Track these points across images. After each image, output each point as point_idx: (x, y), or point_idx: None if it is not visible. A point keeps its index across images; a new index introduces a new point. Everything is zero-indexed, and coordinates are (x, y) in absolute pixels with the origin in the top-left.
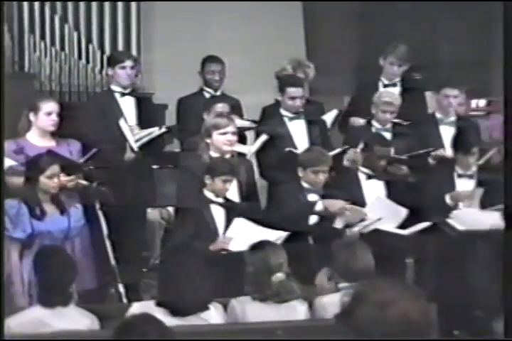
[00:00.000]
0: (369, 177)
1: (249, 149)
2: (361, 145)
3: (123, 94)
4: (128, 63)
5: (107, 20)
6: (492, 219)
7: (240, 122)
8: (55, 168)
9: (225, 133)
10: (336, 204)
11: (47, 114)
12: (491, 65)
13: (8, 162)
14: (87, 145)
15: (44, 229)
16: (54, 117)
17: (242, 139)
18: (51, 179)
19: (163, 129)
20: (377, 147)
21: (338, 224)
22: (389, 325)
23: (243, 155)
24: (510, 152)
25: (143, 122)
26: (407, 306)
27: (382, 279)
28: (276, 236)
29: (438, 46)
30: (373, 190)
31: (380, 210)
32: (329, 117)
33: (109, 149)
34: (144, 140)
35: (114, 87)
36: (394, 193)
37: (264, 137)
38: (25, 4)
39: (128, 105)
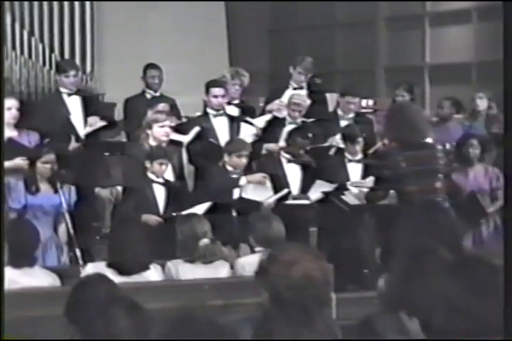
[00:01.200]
0: (289, 161)
1: (185, 138)
2: (286, 136)
3: (69, 95)
4: (71, 73)
5: (66, 34)
6: None
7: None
8: (49, 156)
9: (163, 126)
10: (255, 176)
11: (7, 109)
12: (376, 72)
13: None
14: (44, 136)
15: (36, 203)
16: (14, 112)
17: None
18: (45, 164)
19: (103, 123)
20: (300, 139)
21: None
22: (294, 281)
23: (177, 144)
24: (510, 151)
25: (89, 117)
26: (309, 265)
27: (291, 244)
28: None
29: (334, 57)
30: (293, 171)
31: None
32: (264, 118)
33: (59, 139)
34: (89, 131)
35: (61, 89)
36: (308, 174)
37: (197, 129)
38: None
39: (75, 103)
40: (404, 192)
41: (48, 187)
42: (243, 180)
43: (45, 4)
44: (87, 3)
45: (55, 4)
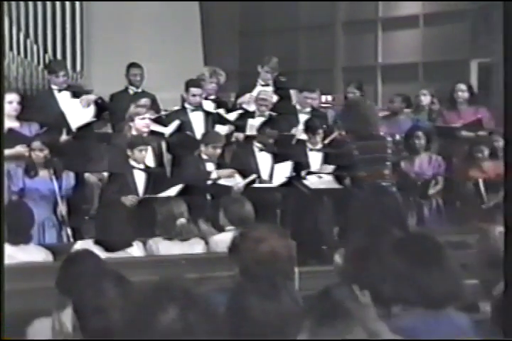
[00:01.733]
0: (260, 150)
1: (167, 130)
2: (258, 127)
3: (60, 90)
4: (60, 73)
5: (58, 36)
6: (332, 182)
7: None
8: (36, 144)
9: (143, 119)
10: (224, 171)
11: (9, 102)
12: (334, 71)
13: None
14: (43, 127)
15: (33, 187)
16: (15, 105)
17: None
18: (34, 151)
19: (93, 119)
20: (269, 130)
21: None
22: (261, 256)
23: (158, 135)
24: (510, 149)
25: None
26: (275, 242)
27: (260, 223)
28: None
29: (298, 57)
30: (264, 159)
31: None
32: (235, 114)
33: (53, 130)
34: (80, 125)
35: (52, 86)
36: (277, 161)
37: (177, 122)
38: None
39: (65, 98)
40: (357, 178)
41: (46, 173)
42: (214, 174)
43: (40, 10)
44: (77, 9)
45: (49, 9)
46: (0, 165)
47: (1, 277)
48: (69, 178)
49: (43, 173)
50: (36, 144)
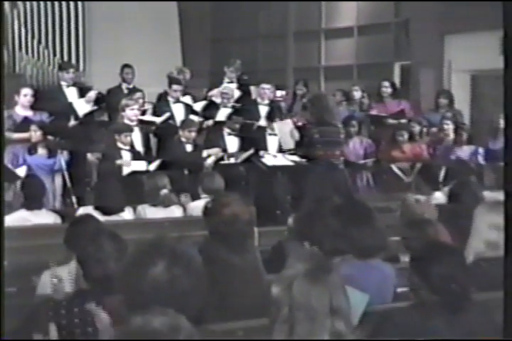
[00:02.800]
0: (229, 134)
1: (158, 119)
2: (227, 116)
3: (68, 86)
4: (70, 70)
5: (65, 42)
6: (286, 160)
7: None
8: (32, 126)
9: (133, 109)
10: (213, 150)
11: (24, 95)
12: (287, 71)
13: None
14: (52, 115)
15: (32, 163)
16: (29, 97)
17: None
18: (32, 132)
19: (95, 107)
20: (235, 117)
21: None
22: (225, 218)
23: (149, 123)
24: (510, 150)
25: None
26: (238, 208)
27: (227, 192)
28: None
29: (257, 60)
30: (232, 141)
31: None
32: (201, 104)
33: (61, 118)
34: (85, 112)
35: (62, 82)
36: (244, 143)
37: (167, 114)
38: (16, 32)
39: (72, 93)
40: (315, 156)
41: (44, 152)
42: (205, 153)
43: (50, 20)
44: (80, 20)
45: (57, 21)
46: (0, 158)
47: (1, 279)
48: (63, 156)
49: (41, 151)
50: (33, 127)
